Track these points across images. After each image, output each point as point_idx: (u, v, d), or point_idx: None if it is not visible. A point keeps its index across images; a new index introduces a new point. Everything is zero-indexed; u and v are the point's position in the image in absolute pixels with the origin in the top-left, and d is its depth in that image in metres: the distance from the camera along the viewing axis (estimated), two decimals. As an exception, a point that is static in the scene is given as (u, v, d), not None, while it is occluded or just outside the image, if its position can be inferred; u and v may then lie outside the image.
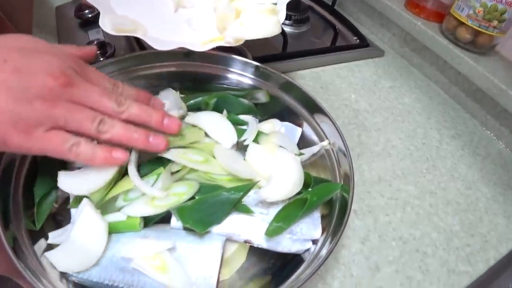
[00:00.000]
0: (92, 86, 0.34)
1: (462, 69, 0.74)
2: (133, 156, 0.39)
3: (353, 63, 0.81)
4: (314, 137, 0.50)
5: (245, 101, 0.51)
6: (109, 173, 0.36)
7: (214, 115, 0.47)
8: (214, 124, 0.45)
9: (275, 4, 0.53)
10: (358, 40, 0.85)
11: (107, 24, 0.44)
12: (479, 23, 0.70)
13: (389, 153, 0.63)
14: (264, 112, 0.52)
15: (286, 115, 0.52)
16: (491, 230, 0.56)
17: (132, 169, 0.38)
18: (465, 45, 0.75)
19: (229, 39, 0.48)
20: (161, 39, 0.48)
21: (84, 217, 0.36)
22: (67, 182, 0.37)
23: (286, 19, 0.83)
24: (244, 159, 0.44)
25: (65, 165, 0.41)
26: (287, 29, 0.84)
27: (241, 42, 0.48)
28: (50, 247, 0.36)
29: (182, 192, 0.38)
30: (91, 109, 0.34)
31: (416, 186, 0.59)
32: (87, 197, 0.37)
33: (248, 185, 0.40)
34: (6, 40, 0.33)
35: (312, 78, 0.74)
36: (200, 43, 0.49)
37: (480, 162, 0.67)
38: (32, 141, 0.31)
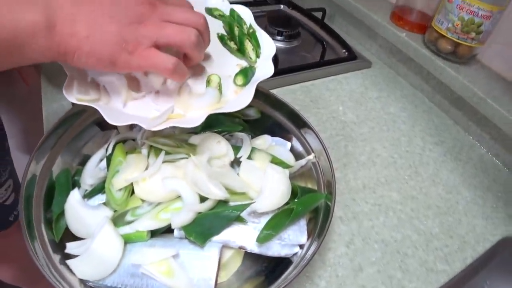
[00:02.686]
0: (172, 6, 0.42)
1: (444, 78, 0.78)
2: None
3: (341, 75, 0.85)
4: (302, 151, 0.55)
5: (235, 118, 0.55)
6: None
7: (214, 135, 0.51)
8: (213, 144, 0.50)
9: None
10: (346, 53, 0.90)
11: (74, 90, 0.42)
12: (458, 35, 0.75)
13: (373, 162, 0.68)
14: (255, 128, 0.56)
15: (276, 130, 0.56)
16: (469, 231, 0.60)
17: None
18: (447, 56, 0.79)
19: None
20: (119, 110, 0.44)
21: (104, 233, 0.41)
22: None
23: (278, 35, 0.88)
24: (237, 174, 0.49)
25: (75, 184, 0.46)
26: (279, 44, 0.89)
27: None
28: (68, 256, 0.42)
29: (180, 207, 0.44)
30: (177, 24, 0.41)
31: (398, 192, 0.64)
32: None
33: (245, 205, 0.45)
34: None
35: (302, 92, 0.78)
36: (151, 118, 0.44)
37: (462, 167, 0.71)
38: (136, 58, 0.38)
